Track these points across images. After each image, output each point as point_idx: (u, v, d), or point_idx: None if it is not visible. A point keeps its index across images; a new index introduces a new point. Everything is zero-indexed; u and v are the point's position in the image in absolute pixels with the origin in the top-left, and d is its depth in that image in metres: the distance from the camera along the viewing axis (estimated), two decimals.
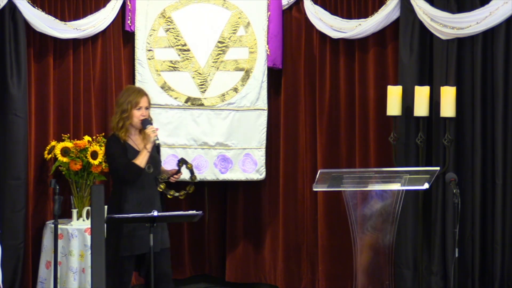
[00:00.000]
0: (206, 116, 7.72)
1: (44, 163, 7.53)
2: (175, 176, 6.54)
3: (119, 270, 6.30)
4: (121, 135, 6.36)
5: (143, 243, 6.24)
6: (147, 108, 6.42)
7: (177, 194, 6.55)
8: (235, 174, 7.83)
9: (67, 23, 7.49)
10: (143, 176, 6.33)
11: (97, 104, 7.72)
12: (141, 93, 6.45)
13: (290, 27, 7.92)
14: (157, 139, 6.36)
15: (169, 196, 6.51)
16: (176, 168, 6.55)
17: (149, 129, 6.33)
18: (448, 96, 7.17)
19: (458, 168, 7.28)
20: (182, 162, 6.55)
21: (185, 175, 6.63)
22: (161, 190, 6.45)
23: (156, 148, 6.49)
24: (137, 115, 6.37)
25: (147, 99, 6.44)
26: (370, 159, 7.64)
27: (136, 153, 6.33)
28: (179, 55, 7.78)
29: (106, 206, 6.21)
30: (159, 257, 6.32)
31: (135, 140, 6.41)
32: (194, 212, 6.30)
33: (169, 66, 7.78)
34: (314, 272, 7.90)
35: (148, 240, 6.06)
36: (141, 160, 6.29)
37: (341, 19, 7.68)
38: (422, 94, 7.26)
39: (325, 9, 7.74)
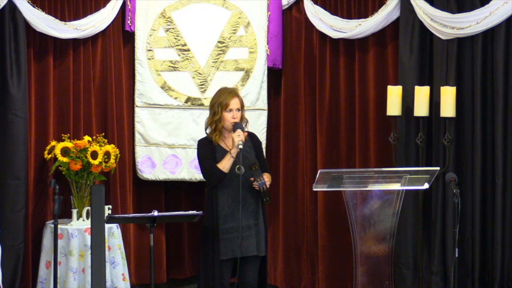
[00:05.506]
0: (206, 116, 7.69)
1: (44, 163, 7.52)
2: (255, 184, 6.24)
3: (214, 274, 6.19)
4: (214, 138, 6.28)
5: (233, 247, 6.21)
6: (238, 110, 6.26)
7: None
8: None
9: (67, 23, 7.48)
10: (234, 177, 6.20)
11: (97, 104, 7.71)
12: (232, 94, 6.28)
13: (290, 27, 7.92)
14: (241, 145, 6.15)
15: (265, 201, 6.35)
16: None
17: (235, 134, 6.17)
18: (448, 96, 7.17)
19: (458, 168, 7.28)
20: (249, 168, 6.26)
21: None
22: (267, 201, 6.32)
23: (257, 150, 6.36)
24: (228, 117, 6.25)
25: (238, 100, 6.28)
26: (370, 159, 7.64)
27: (225, 154, 6.21)
28: (179, 55, 7.78)
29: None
30: (245, 264, 6.28)
31: (227, 142, 6.29)
32: (194, 212, 6.31)
33: (169, 66, 7.78)
34: (314, 272, 7.89)
35: (242, 244, 6.13)
36: (224, 165, 6.17)
37: (341, 19, 7.68)
38: (422, 94, 7.26)
39: (325, 9, 7.74)
